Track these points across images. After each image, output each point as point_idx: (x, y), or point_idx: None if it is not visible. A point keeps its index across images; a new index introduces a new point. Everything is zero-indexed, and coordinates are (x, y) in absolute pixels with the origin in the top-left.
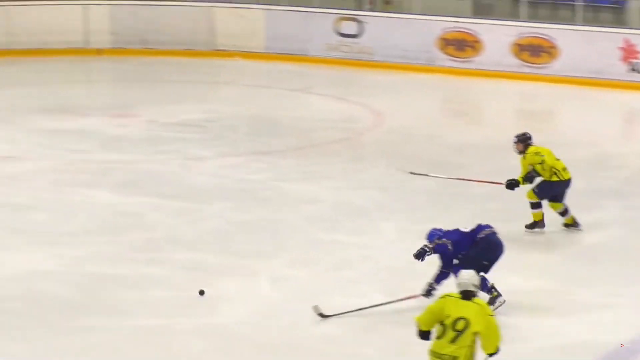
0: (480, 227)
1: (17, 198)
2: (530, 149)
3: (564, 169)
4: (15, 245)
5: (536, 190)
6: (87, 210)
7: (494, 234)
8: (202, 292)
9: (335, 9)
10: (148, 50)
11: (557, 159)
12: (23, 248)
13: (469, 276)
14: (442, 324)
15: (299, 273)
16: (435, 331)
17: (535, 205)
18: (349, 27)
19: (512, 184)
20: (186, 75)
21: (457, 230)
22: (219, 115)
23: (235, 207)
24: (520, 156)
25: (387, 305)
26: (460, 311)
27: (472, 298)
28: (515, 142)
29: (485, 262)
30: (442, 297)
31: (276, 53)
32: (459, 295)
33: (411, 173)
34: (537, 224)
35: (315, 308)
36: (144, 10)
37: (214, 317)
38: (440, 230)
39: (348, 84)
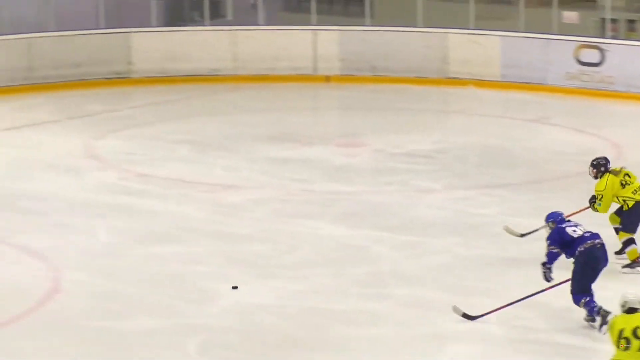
0: (583, 239)
1: (238, 228)
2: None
3: (635, 191)
4: (234, 277)
5: (621, 227)
6: (309, 242)
7: (595, 247)
8: (235, 287)
9: (576, 36)
10: (377, 77)
11: (624, 187)
12: (242, 279)
13: (634, 294)
14: (622, 337)
15: (528, 314)
16: (619, 344)
17: (628, 243)
18: (590, 55)
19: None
20: (416, 104)
21: (565, 231)
22: (448, 146)
23: (462, 243)
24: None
25: None
26: (634, 322)
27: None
28: (589, 167)
29: (586, 278)
30: (610, 324)
31: (512, 81)
32: (623, 313)
33: (522, 235)
34: (635, 263)
35: (456, 309)
36: (373, 36)
37: (439, 357)
38: (560, 214)
39: (587, 114)
